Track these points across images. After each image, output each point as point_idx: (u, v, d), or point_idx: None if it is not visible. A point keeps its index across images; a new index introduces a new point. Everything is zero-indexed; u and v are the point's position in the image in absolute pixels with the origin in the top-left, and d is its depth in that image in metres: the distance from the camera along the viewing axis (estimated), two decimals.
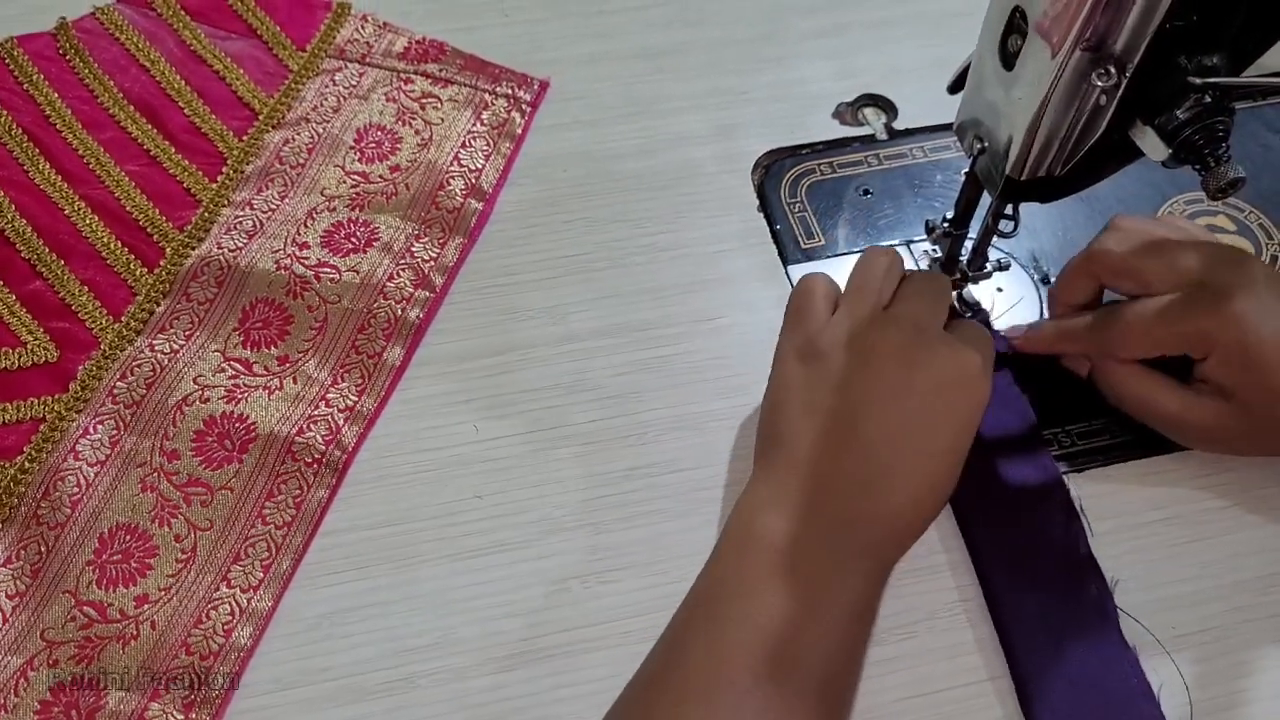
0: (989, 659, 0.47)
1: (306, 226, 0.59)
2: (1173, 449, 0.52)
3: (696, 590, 0.44)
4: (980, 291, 0.57)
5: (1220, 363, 0.47)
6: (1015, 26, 0.43)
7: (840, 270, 0.58)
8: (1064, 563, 0.49)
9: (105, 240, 0.58)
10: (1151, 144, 0.43)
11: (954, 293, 0.57)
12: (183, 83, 0.64)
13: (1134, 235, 0.50)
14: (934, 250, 0.57)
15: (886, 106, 0.66)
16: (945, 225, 0.54)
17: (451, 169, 0.61)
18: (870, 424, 0.45)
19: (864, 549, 0.44)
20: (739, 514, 0.45)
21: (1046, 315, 0.57)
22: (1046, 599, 0.48)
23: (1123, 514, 0.51)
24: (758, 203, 0.62)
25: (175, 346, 0.55)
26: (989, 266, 0.56)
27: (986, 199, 0.51)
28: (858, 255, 0.58)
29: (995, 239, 0.53)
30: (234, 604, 0.48)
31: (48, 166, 0.60)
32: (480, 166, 0.62)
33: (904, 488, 0.44)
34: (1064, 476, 0.51)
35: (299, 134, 0.63)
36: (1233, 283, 0.47)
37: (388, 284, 0.57)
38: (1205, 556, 0.50)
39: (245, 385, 0.53)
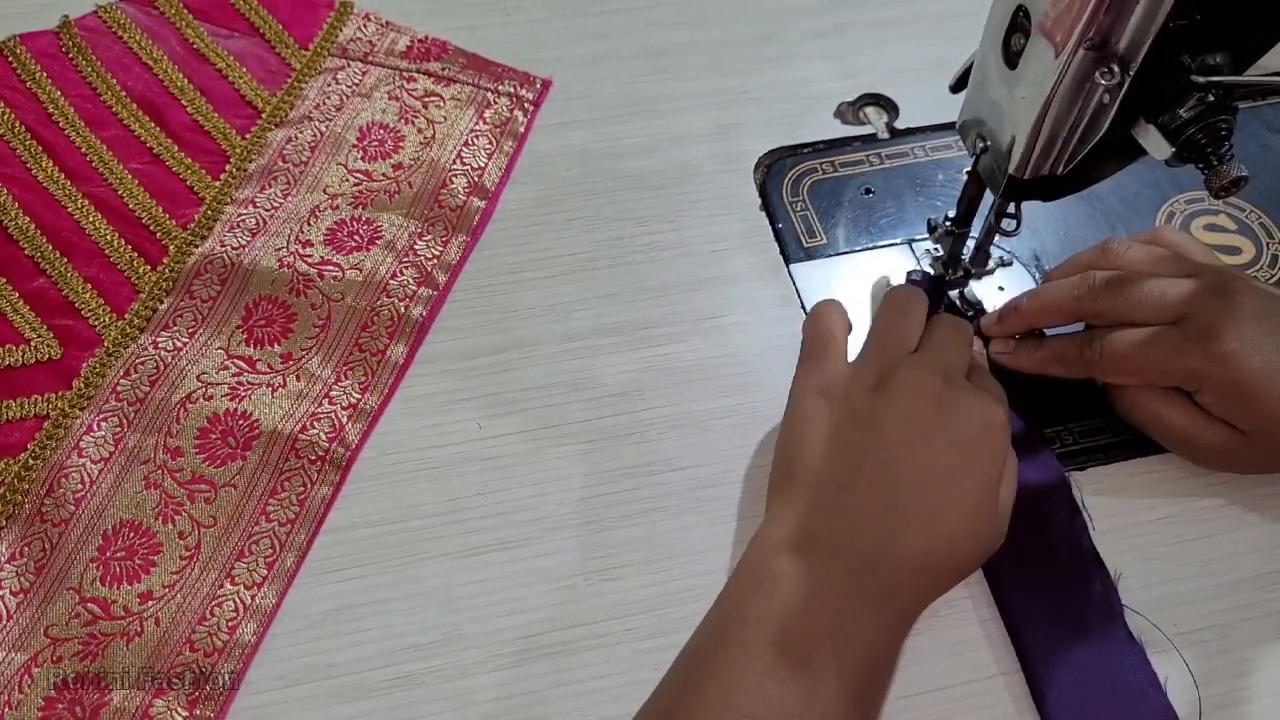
0: (993, 655, 0.47)
1: (310, 224, 0.59)
2: None
3: (711, 623, 0.43)
4: (982, 290, 0.57)
5: (1214, 398, 0.48)
6: (1018, 25, 0.43)
7: (841, 269, 0.59)
8: (1069, 558, 0.49)
9: (108, 238, 0.58)
10: (1154, 143, 0.43)
11: (956, 290, 0.57)
12: (185, 81, 0.64)
13: (1121, 285, 0.50)
14: (936, 249, 0.57)
15: (888, 106, 0.66)
16: (947, 224, 0.55)
17: (454, 167, 0.62)
18: (897, 464, 0.44)
19: (882, 595, 0.42)
20: (756, 550, 0.44)
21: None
22: (1053, 593, 0.48)
23: (1124, 512, 0.51)
24: (759, 202, 0.62)
25: (179, 344, 0.55)
26: (991, 263, 0.56)
27: (989, 198, 0.51)
28: (860, 254, 0.59)
29: (997, 237, 0.53)
30: (238, 601, 0.48)
31: (51, 164, 0.60)
32: (483, 165, 0.62)
33: (926, 533, 0.43)
34: (1067, 474, 0.51)
35: (302, 132, 0.63)
36: (1218, 318, 0.47)
37: (391, 282, 0.57)
38: (1205, 554, 0.50)
39: (249, 383, 0.54)
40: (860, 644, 0.41)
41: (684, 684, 0.41)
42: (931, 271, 0.57)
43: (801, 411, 0.47)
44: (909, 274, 0.58)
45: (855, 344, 0.50)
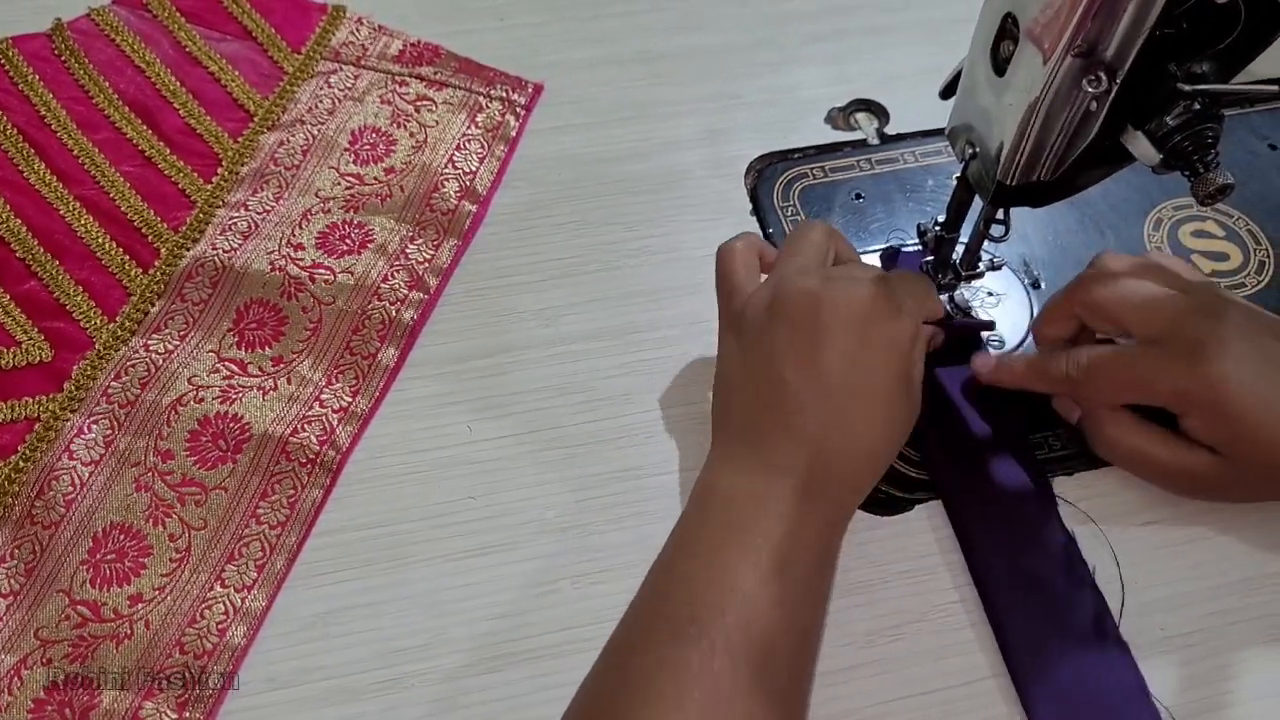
0: (982, 660, 0.47)
1: (301, 228, 0.59)
2: None
3: (665, 550, 0.45)
4: (971, 294, 0.58)
5: (1201, 422, 0.47)
6: (1007, 32, 0.44)
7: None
8: (1055, 564, 0.49)
9: (100, 240, 0.58)
10: (1142, 149, 0.43)
11: (944, 295, 0.57)
12: (178, 84, 0.64)
13: (1117, 276, 0.50)
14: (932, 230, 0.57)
15: (878, 111, 0.66)
16: (937, 229, 0.55)
17: (446, 171, 0.62)
18: (795, 377, 0.45)
19: (809, 495, 0.44)
20: (700, 480, 0.46)
21: (1036, 316, 0.57)
22: (1040, 601, 0.48)
23: (1109, 517, 0.51)
24: (750, 206, 0.62)
25: (170, 347, 0.55)
26: (981, 266, 0.56)
27: (978, 203, 0.51)
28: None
29: (986, 243, 0.54)
30: (228, 603, 0.48)
31: (43, 167, 0.60)
32: (474, 169, 0.62)
33: (842, 430, 0.45)
34: (1049, 478, 0.52)
35: (294, 136, 0.63)
36: (1208, 339, 0.46)
37: (382, 285, 0.57)
38: (1191, 559, 0.50)
39: (240, 386, 0.54)
40: (782, 543, 0.42)
41: (628, 613, 0.44)
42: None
43: (720, 349, 0.50)
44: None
45: None
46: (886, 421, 0.46)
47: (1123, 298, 0.49)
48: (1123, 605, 0.48)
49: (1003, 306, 0.57)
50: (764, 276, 0.50)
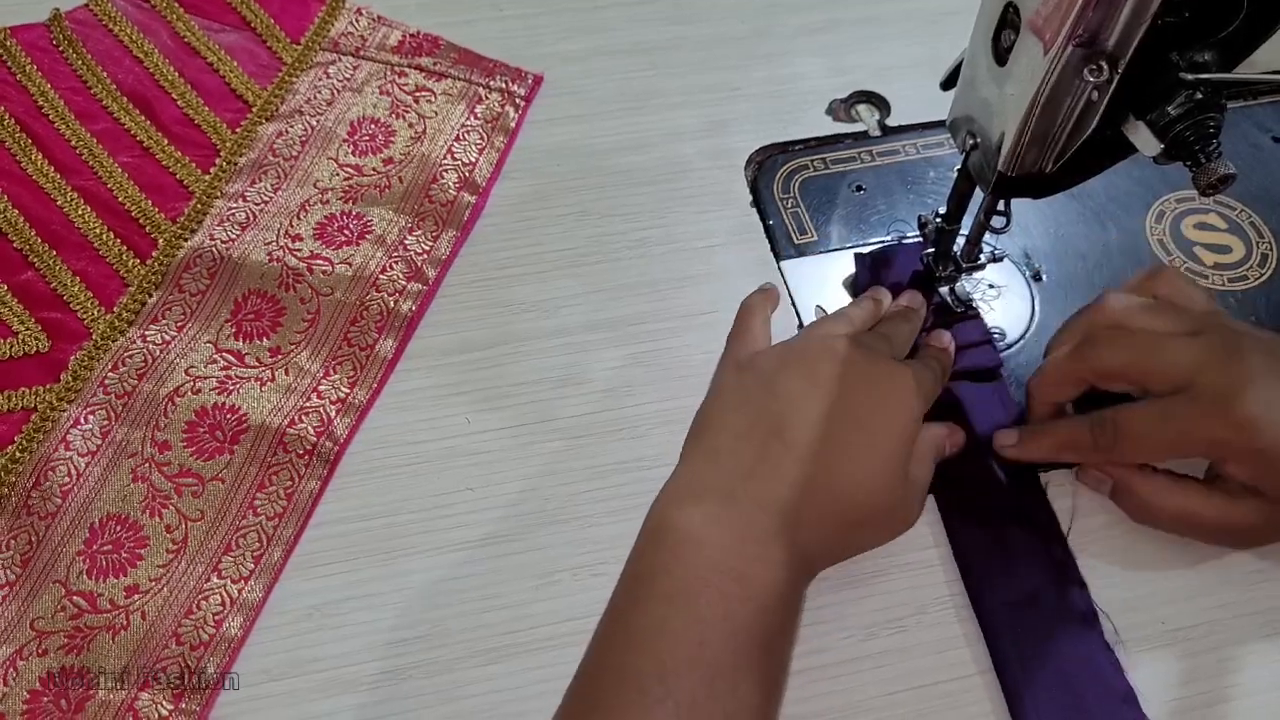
0: (978, 654, 0.47)
1: (299, 219, 0.59)
2: None
3: (617, 589, 0.43)
4: (972, 286, 0.57)
5: (1239, 467, 0.46)
6: (1008, 22, 0.43)
7: (832, 266, 0.59)
8: (1044, 565, 0.49)
9: (97, 231, 0.58)
10: (1144, 139, 0.43)
11: (945, 288, 0.57)
12: (176, 74, 0.64)
13: (1124, 333, 0.49)
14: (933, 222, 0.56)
15: (879, 103, 0.66)
16: (938, 220, 0.55)
17: (445, 162, 0.61)
18: (793, 415, 0.45)
19: (781, 536, 0.42)
20: (655, 509, 0.44)
21: (1036, 314, 0.57)
22: (1026, 597, 0.48)
23: (1110, 511, 0.51)
24: (751, 198, 0.62)
25: (167, 338, 0.55)
26: (982, 258, 0.56)
27: (979, 195, 0.51)
28: (850, 251, 0.59)
29: (987, 235, 0.53)
30: (225, 595, 0.48)
31: (40, 157, 0.60)
32: (474, 160, 0.62)
33: (827, 478, 0.43)
34: (1038, 476, 0.52)
35: (292, 126, 0.63)
36: (1233, 383, 0.45)
37: (380, 276, 0.57)
38: (1192, 553, 0.50)
39: (237, 377, 0.53)
40: (753, 585, 0.41)
41: (591, 654, 0.41)
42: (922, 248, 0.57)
43: (716, 383, 0.49)
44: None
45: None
46: (881, 489, 0.45)
47: (1136, 359, 0.48)
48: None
49: (1004, 299, 0.57)
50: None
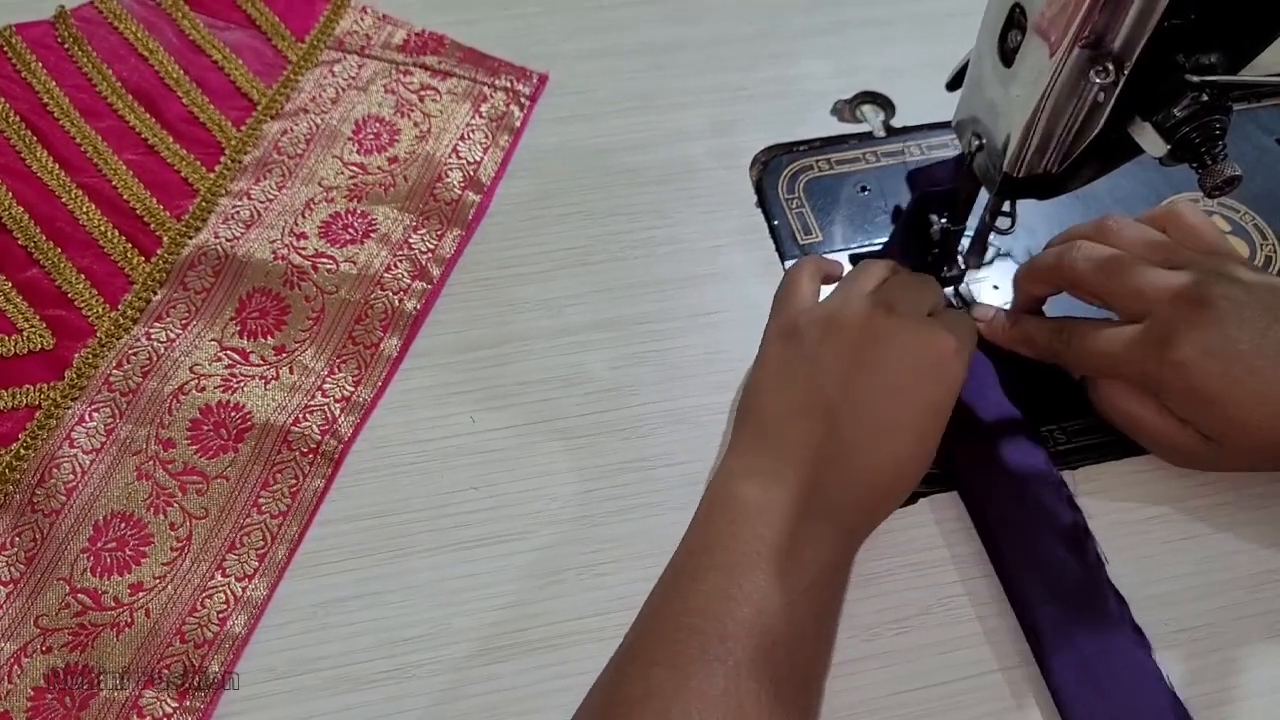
0: (991, 651, 0.47)
1: (304, 217, 0.59)
2: None
3: (676, 558, 0.45)
4: (978, 286, 0.57)
5: (1174, 403, 0.48)
6: (1015, 24, 0.44)
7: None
8: (1076, 555, 0.49)
9: (102, 228, 0.58)
10: (1150, 140, 0.43)
11: (950, 289, 0.57)
12: (181, 72, 0.64)
13: (1109, 253, 0.49)
14: (943, 220, 0.56)
15: (884, 104, 0.66)
16: (943, 221, 0.55)
17: (450, 161, 0.61)
18: (836, 393, 0.46)
19: (830, 515, 0.44)
20: (715, 483, 0.46)
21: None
22: (1059, 576, 0.48)
23: (1116, 511, 0.51)
24: (756, 198, 0.62)
25: (172, 335, 0.55)
26: (989, 256, 0.56)
27: (984, 195, 0.51)
28: (855, 252, 0.59)
29: (992, 235, 0.53)
30: (229, 593, 0.48)
31: (45, 154, 0.60)
32: (478, 159, 0.62)
33: (870, 456, 0.45)
34: (1059, 472, 0.52)
35: (297, 124, 0.63)
36: (1180, 323, 0.46)
37: (385, 275, 0.57)
38: (1198, 553, 0.50)
39: (242, 375, 0.53)
40: (805, 561, 0.42)
41: (647, 620, 0.43)
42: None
43: (762, 354, 0.50)
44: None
45: None
46: (915, 458, 0.46)
47: (1104, 278, 0.49)
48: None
49: (1006, 298, 0.57)
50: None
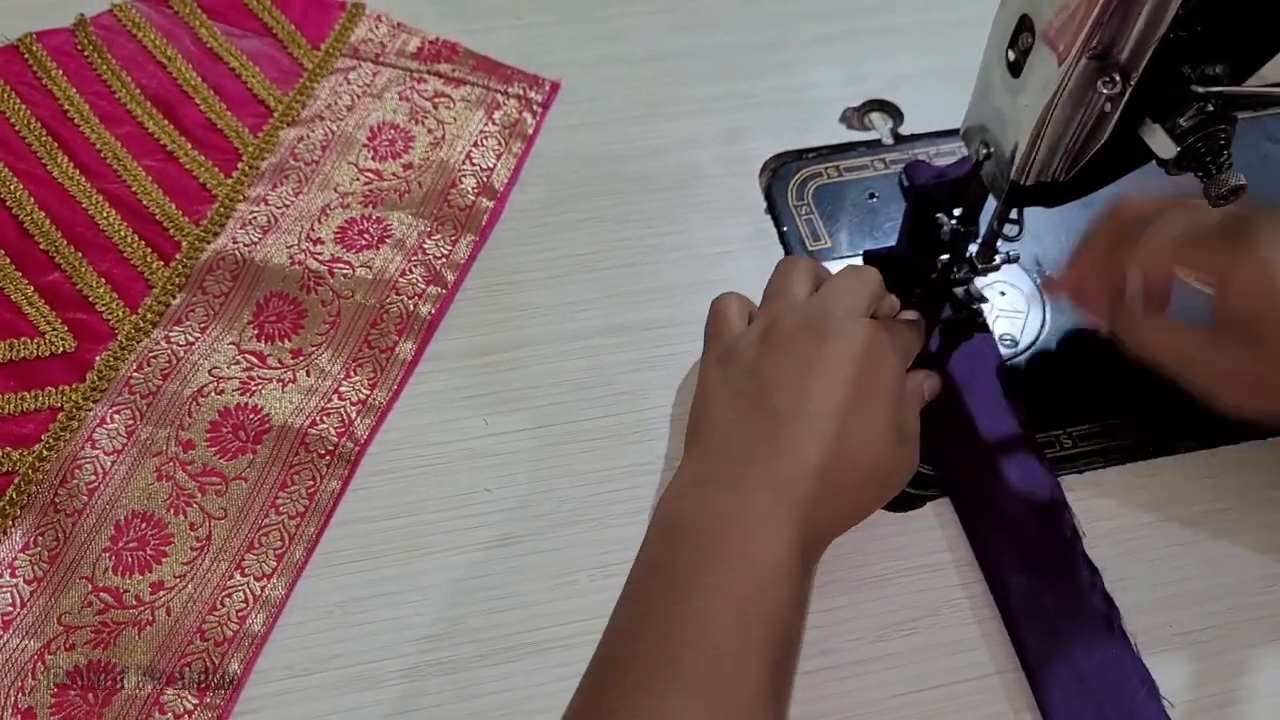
0: (990, 655, 0.48)
1: (320, 222, 0.59)
2: (1171, 451, 0.53)
3: (633, 578, 0.44)
4: (983, 290, 0.58)
5: (1239, 291, 0.47)
6: (1022, 33, 0.44)
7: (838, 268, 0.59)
8: (1065, 562, 0.50)
9: (122, 233, 0.59)
10: (1160, 142, 0.43)
11: (960, 289, 0.57)
12: (199, 79, 0.65)
13: (1145, 225, 0.51)
14: (953, 223, 0.57)
15: (892, 112, 0.67)
16: (952, 224, 0.55)
17: (463, 168, 0.62)
18: (779, 395, 0.45)
19: (788, 515, 0.43)
20: (662, 501, 0.45)
21: (1046, 322, 0.58)
22: (1051, 598, 0.48)
23: (1121, 515, 0.52)
24: (765, 205, 0.63)
25: (191, 338, 0.55)
26: (998, 259, 0.56)
27: (992, 202, 0.52)
28: (862, 257, 0.59)
29: (1000, 242, 0.54)
30: (248, 592, 0.49)
31: (66, 160, 0.61)
32: (492, 165, 0.63)
33: (816, 446, 0.44)
34: (1057, 477, 0.52)
35: (313, 131, 0.64)
36: (1258, 221, 0.47)
37: (400, 280, 0.57)
38: (1203, 557, 0.50)
39: (259, 377, 0.54)
40: (755, 563, 0.42)
41: (616, 641, 0.42)
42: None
43: (700, 383, 0.49)
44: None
45: None
46: (871, 444, 0.46)
47: (1160, 240, 0.50)
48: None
49: (1013, 304, 0.58)
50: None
